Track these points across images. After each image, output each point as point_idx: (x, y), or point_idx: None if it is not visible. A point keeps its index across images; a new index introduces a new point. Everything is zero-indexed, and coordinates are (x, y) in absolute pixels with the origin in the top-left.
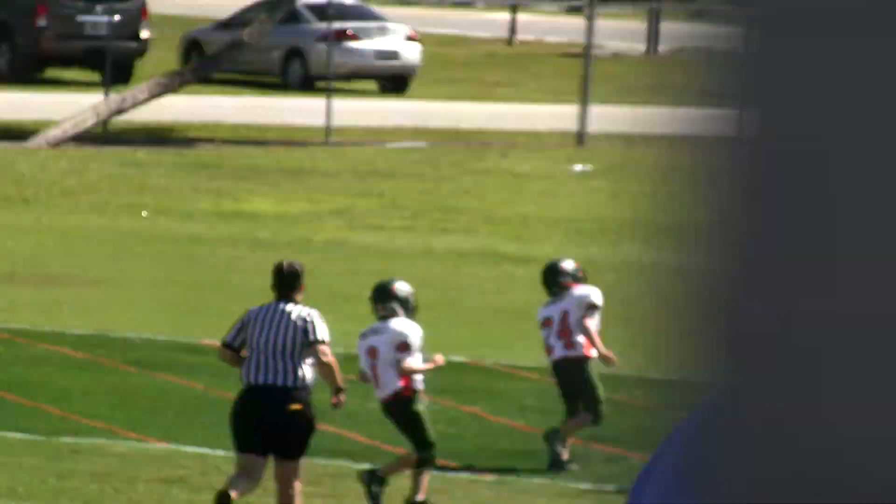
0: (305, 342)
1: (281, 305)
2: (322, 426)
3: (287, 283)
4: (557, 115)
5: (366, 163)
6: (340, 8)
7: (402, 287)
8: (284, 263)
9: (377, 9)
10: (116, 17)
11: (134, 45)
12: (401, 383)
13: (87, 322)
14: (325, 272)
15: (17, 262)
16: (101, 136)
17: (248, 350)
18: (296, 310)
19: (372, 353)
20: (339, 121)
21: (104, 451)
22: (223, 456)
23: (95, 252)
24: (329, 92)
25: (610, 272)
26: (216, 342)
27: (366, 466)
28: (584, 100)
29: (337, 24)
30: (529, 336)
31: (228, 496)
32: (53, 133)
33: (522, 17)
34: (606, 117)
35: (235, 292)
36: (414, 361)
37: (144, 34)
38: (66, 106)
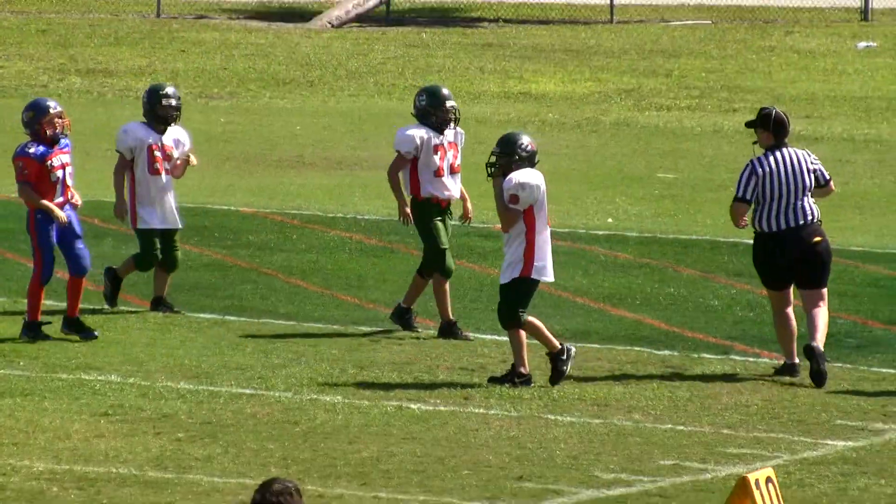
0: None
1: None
2: (623, 312)
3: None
4: None
5: (651, 41)
6: None
7: None
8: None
9: None
10: None
11: None
12: None
13: (378, 207)
14: (613, 153)
15: (305, 147)
16: (383, 16)
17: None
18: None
19: None
20: None
21: (401, 338)
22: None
23: (382, 135)
24: None
25: None
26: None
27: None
28: None
29: None
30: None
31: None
32: (336, 14)
33: None
34: None
35: None
36: None
37: None
38: None
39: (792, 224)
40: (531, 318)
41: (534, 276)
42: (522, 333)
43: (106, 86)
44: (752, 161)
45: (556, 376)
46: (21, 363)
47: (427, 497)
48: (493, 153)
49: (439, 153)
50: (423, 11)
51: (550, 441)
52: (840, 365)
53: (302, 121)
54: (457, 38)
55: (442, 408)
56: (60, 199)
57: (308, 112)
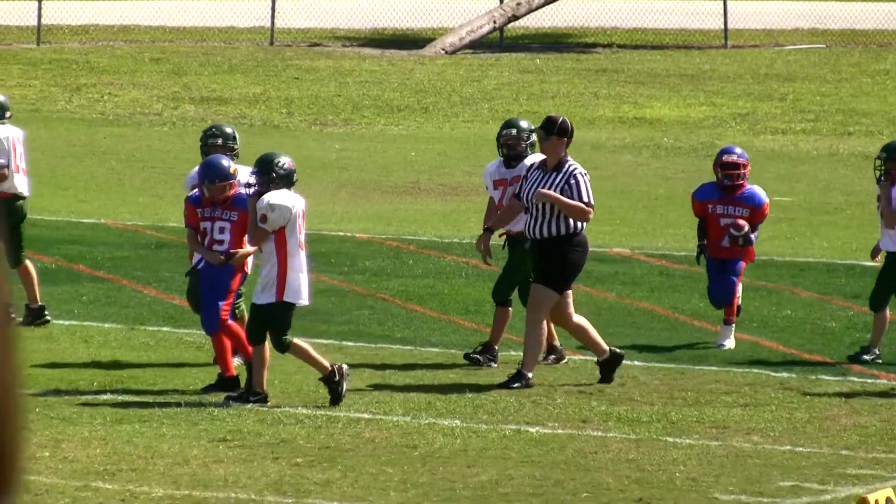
0: None
1: None
2: (740, 335)
3: None
4: None
5: (765, 66)
6: None
7: None
8: None
9: None
10: None
11: None
12: None
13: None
14: None
15: (420, 173)
16: (497, 42)
17: None
18: None
19: None
20: (735, 23)
21: (519, 363)
22: (640, 367)
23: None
24: None
25: None
26: (625, 251)
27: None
28: None
29: None
30: None
31: None
32: (450, 40)
33: None
34: None
35: (639, 199)
36: None
37: None
38: (461, 13)
39: None
40: (297, 341)
41: (287, 298)
42: (266, 354)
43: (220, 113)
44: None
45: (335, 398)
46: (138, 389)
47: None
48: (251, 172)
49: (500, 188)
50: (536, 37)
51: (669, 463)
52: None
53: (417, 147)
54: (571, 64)
55: (560, 431)
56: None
57: (423, 138)
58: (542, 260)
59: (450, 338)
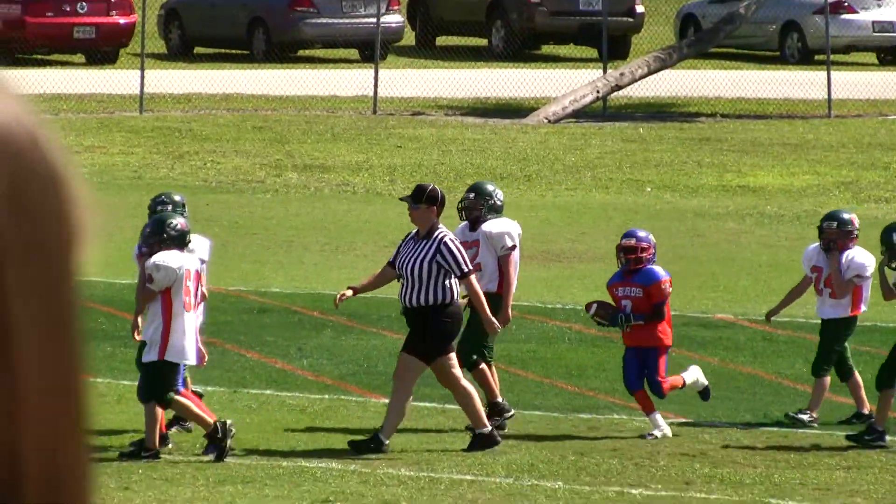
0: None
1: None
2: (845, 399)
3: None
4: None
5: (868, 135)
6: None
7: None
8: None
9: None
10: None
11: (629, 20)
12: None
13: (597, 297)
14: None
15: (524, 239)
16: (600, 112)
17: None
18: None
19: None
20: (838, 93)
21: (622, 426)
22: (741, 431)
23: (600, 228)
24: (828, 64)
25: None
26: (728, 317)
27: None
28: None
29: None
30: None
31: None
32: (553, 109)
33: None
34: None
35: (743, 267)
36: None
37: (639, 9)
38: (563, 82)
39: None
40: (178, 398)
41: (168, 358)
42: (159, 411)
43: (322, 181)
44: None
45: (220, 454)
46: (241, 450)
47: None
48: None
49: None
50: (639, 107)
51: None
52: None
53: (519, 215)
54: (674, 133)
55: (663, 493)
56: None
57: (525, 206)
58: (414, 329)
59: (552, 401)
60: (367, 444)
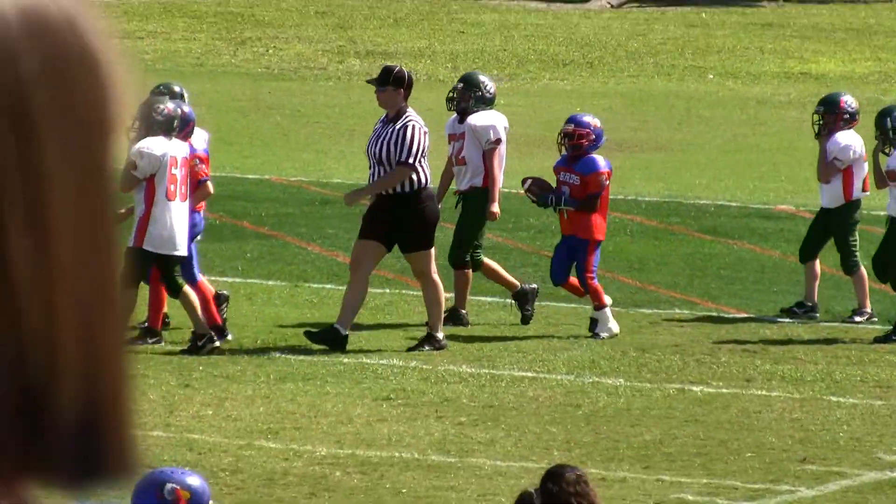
0: None
1: None
2: None
3: None
4: None
5: None
6: None
7: None
8: None
9: None
10: None
11: None
12: None
13: (659, 188)
14: None
15: None
16: None
17: None
18: None
19: None
20: None
21: (683, 321)
22: (802, 327)
23: (662, 116)
24: None
25: None
26: (790, 208)
27: None
28: None
29: None
30: None
31: None
32: None
33: None
34: None
35: (805, 157)
36: None
37: None
38: None
39: None
40: (186, 291)
41: (146, 246)
42: (192, 295)
43: None
44: None
45: (192, 351)
46: (302, 347)
47: (710, 480)
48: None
49: (451, 143)
50: None
51: (833, 423)
52: None
53: (581, 102)
54: (736, 18)
55: (724, 390)
56: None
57: (587, 94)
58: (393, 219)
59: (613, 295)
60: (323, 336)
